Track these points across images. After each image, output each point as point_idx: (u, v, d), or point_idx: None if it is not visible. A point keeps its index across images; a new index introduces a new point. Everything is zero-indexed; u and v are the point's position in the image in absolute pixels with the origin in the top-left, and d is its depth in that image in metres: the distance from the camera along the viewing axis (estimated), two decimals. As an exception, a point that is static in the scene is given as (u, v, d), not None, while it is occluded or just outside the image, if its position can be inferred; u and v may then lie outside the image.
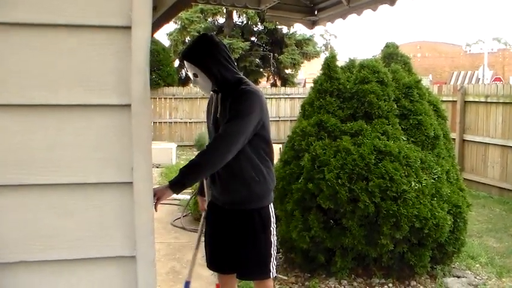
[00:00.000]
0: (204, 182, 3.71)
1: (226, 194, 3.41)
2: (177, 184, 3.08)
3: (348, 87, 5.50)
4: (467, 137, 11.13)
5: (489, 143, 10.54)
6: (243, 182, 3.33)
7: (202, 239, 3.77)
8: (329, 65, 5.61)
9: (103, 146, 1.72)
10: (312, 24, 4.93)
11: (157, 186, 3.15)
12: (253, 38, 25.70)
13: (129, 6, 1.67)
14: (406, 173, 4.99)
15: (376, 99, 5.30)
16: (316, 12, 4.72)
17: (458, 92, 11.27)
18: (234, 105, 3.19)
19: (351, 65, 5.89)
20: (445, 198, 5.26)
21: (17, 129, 1.68)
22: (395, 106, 5.46)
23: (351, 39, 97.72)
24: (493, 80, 28.13)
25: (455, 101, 11.35)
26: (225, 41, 22.42)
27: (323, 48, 40.39)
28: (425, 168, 5.22)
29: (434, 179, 5.23)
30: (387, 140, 5.13)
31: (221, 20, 25.36)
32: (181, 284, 5.34)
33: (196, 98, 18.90)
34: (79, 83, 1.67)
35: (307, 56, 25.26)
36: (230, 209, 3.44)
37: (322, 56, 40.11)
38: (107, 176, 1.73)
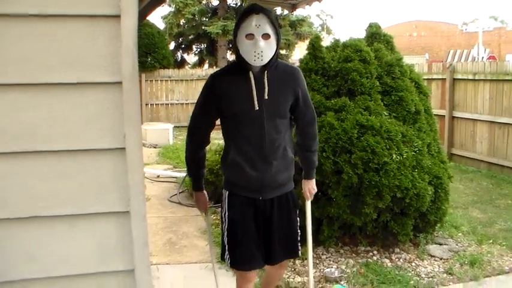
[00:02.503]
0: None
1: (271, 178, 3.26)
2: (314, 172, 3.64)
3: (332, 66, 5.77)
4: (457, 114, 11.40)
5: (477, 119, 10.81)
6: (288, 164, 3.37)
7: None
8: (314, 45, 5.88)
9: (99, 117, 2.02)
10: (291, 8, 5.23)
11: (306, 188, 3.69)
12: (247, 19, 25.84)
13: (118, -3, 1.95)
14: (388, 146, 5.28)
15: (359, 77, 5.58)
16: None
17: (447, 70, 11.53)
18: (302, 85, 3.28)
19: (335, 44, 6.15)
20: (426, 169, 5.55)
21: (24, 105, 1.96)
22: (378, 83, 5.74)
23: (348, 19, 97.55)
24: (488, 58, 28.28)
25: (445, 79, 11.61)
26: (220, 23, 22.67)
27: (319, 28, 40.57)
28: (406, 141, 5.51)
29: (415, 151, 5.52)
30: (369, 115, 5.41)
31: (215, 2, 25.49)
32: (177, 253, 5.69)
33: (192, 79, 19.19)
34: (77, 65, 1.96)
35: (302, 37, 25.45)
36: (266, 198, 3.31)
37: (318, 37, 40.27)
38: (103, 143, 2.03)
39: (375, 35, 6.34)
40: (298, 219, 3.53)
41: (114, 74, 1.99)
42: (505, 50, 39.02)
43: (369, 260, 5.45)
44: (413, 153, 5.49)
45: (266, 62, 3.03)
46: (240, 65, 3.12)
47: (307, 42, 6.39)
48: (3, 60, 1.90)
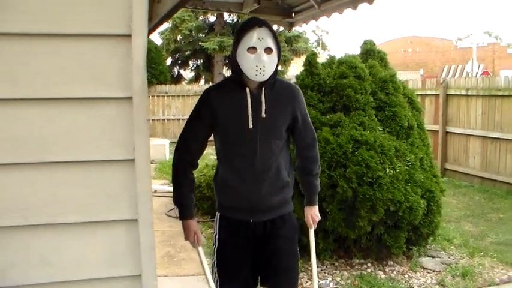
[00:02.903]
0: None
1: (261, 200, 3.06)
2: (316, 198, 3.40)
3: (327, 82, 5.93)
4: (450, 129, 11.59)
5: (470, 134, 11.01)
6: (281, 187, 3.13)
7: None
8: (310, 61, 6.05)
9: (110, 130, 2.15)
10: (289, 26, 5.41)
11: (308, 215, 3.37)
12: (244, 35, 26.11)
13: (129, 19, 2.10)
14: (381, 160, 5.43)
15: (354, 93, 5.74)
16: (293, 15, 5.17)
17: (441, 86, 11.73)
18: (301, 106, 3.15)
19: (330, 61, 6.32)
20: (419, 183, 5.70)
21: (41, 118, 2.10)
22: (372, 99, 5.91)
23: (343, 35, 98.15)
24: (482, 74, 28.51)
25: (439, 95, 11.79)
26: (216, 39, 22.88)
27: (315, 44, 40.83)
28: (399, 156, 5.66)
29: (408, 165, 5.67)
30: (364, 130, 5.57)
31: (212, 18, 25.76)
32: (175, 266, 5.80)
33: (189, 95, 19.39)
34: (91, 80, 2.10)
35: (297, 53, 25.70)
36: (257, 220, 3.12)
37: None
38: (114, 154, 2.16)
39: (369, 51, 6.52)
40: (296, 245, 3.29)
41: (125, 90, 2.12)
42: (499, 66, 39.33)
43: (363, 272, 5.58)
44: (406, 167, 5.64)
45: (267, 77, 2.89)
46: (237, 81, 3.00)
47: (303, 58, 6.56)
48: (27, 76, 2.04)
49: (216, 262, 3.21)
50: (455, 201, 9.44)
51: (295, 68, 32.70)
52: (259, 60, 2.82)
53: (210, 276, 3.19)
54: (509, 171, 10.02)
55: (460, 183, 11.03)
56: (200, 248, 3.22)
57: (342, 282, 5.29)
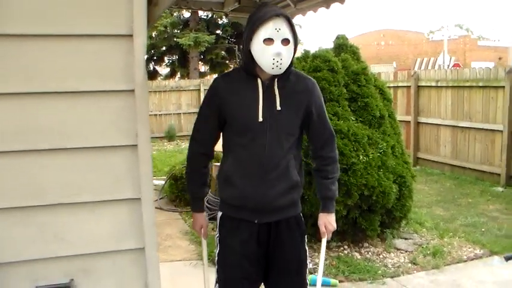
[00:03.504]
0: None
1: (268, 199, 2.85)
2: (333, 206, 3.13)
3: (303, 75, 6.24)
4: (422, 119, 12.02)
5: (441, 124, 11.46)
6: (290, 186, 2.92)
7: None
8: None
9: (117, 119, 2.44)
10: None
11: (322, 222, 3.12)
12: (218, 31, 26.40)
13: (131, 21, 2.39)
14: (355, 148, 5.78)
15: (328, 85, 6.06)
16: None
17: (412, 78, 12.13)
18: (318, 100, 2.96)
19: (305, 55, 6.64)
20: (391, 169, 6.06)
21: (57, 109, 2.39)
22: (345, 90, 6.24)
23: (317, 29, 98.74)
24: (453, 66, 29.06)
25: (410, 86, 12.19)
26: (191, 35, 23.08)
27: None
28: (372, 143, 6.01)
29: (380, 153, 6.02)
30: (338, 120, 5.90)
31: (187, 14, 25.95)
32: (162, 252, 6.09)
33: (165, 91, 19.52)
34: (99, 75, 2.39)
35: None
36: (262, 221, 2.92)
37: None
38: (120, 140, 2.46)
39: (342, 46, 6.85)
40: (306, 249, 3.12)
41: (129, 83, 2.42)
42: (470, 58, 39.83)
43: (340, 254, 5.92)
44: (378, 154, 5.99)
45: (284, 70, 2.74)
46: (248, 70, 2.84)
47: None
48: (43, 72, 2.33)
49: (217, 267, 3.06)
50: (427, 188, 9.85)
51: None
52: (276, 53, 2.66)
53: (206, 267, 3.24)
54: (478, 159, 10.47)
55: (432, 171, 11.46)
56: (204, 241, 3.25)
57: (321, 264, 5.61)
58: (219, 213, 3.07)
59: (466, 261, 5.90)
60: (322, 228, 3.14)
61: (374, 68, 35.43)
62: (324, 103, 3.03)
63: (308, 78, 2.99)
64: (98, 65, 2.39)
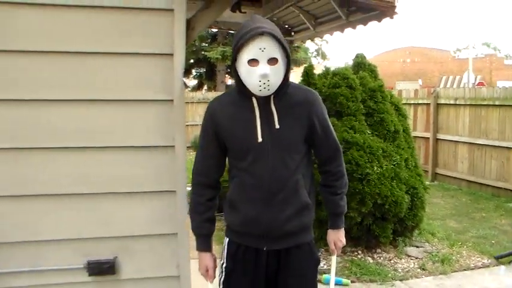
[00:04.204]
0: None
1: (275, 224, 2.66)
2: (342, 222, 2.98)
3: (323, 91, 6.69)
4: (440, 136, 12.31)
5: (458, 141, 11.74)
6: (300, 209, 2.70)
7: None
8: (307, 72, 6.83)
9: (156, 124, 2.93)
10: (288, 43, 6.23)
11: (331, 239, 2.98)
12: (245, 45, 26.91)
13: (172, 42, 2.88)
14: (370, 159, 6.20)
15: (346, 101, 6.51)
16: (292, 34, 5.99)
17: (431, 96, 12.47)
18: (320, 113, 2.73)
19: (326, 72, 7.10)
20: (403, 180, 6.47)
21: (105, 113, 2.88)
22: (362, 106, 6.68)
23: (343, 44, 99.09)
24: (476, 85, 29.20)
25: (429, 104, 12.55)
26: (219, 49, 23.63)
27: (315, 53, 41.62)
28: (386, 156, 6.43)
29: (393, 165, 6.43)
30: (354, 133, 6.33)
31: (215, 28, 26.50)
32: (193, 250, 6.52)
33: (192, 102, 20.06)
34: (144, 87, 2.88)
35: (298, 63, 26.49)
36: (271, 248, 2.73)
37: (314, 61, 41.12)
38: (159, 142, 2.94)
39: (360, 64, 7.30)
40: (316, 281, 2.95)
41: (168, 94, 2.90)
42: (496, 77, 39.74)
43: (354, 258, 6.33)
44: (392, 166, 6.40)
45: (273, 91, 2.55)
46: (241, 91, 2.64)
47: (302, 67, 7.30)
48: (97, 83, 2.83)
49: None
50: (443, 202, 10.19)
51: (294, 77, 33.38)
52: (262, 74, 2.45)
53: None
54: (494, 175, 10.76)
55: (449, 186, 11.78)
56: (211, 286, 2.89)
57: (336, 266, 6.03)
58: (226, 239, 2.86)
59: (473, 269, 6.25)
60: (331, 246, 2.99)
61: (399, 85, 35.48)
62: (327, 115, 2.80)
63: (308, 90, 2.79)
64: (143, 78, 2.88)
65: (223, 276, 2.83)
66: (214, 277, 2.88)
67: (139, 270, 3.06)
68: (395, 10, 4.01)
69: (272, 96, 2.61)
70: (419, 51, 47.53)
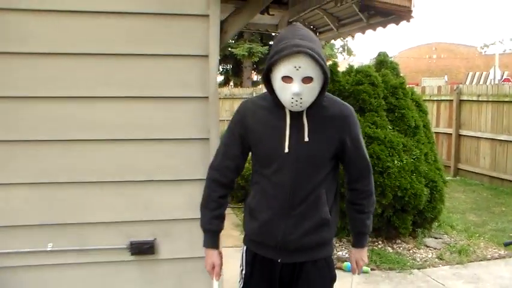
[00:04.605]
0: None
1: (292, 237, 2.60)
2: (366, 241, 2.85)
3: (346, 88, 6.98)
4: (463, 132, 12.54)
5: (481, 137, 11.96)
6: (320, 224, 2.63)
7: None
8: (331, 70, 7.11)
9: (194, 118, 3.26)
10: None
11: (354, 258, 2.83)
12: (271, 43, 27.26)
13: (207, 45, 3.20)
14: (390, 154, 6.48)
15: (368, 97, 6.79)
16: (317, 34, 6.32)
17: (454, 92, 12.67)
18: (353, 131, 2.62)
19: (349, 70, 7.38)
20: (423, 174, 6.73)
21: (150, 109, 3.21)
22: (384, 102, 6.96)
23: (369, 40, 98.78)
24: (502, 81, 29.10)
25: (452, 100, 12.76)
26: (246, 46, 23.96)
27: (340, 49, 41.77)
28: (406, 150, 6.70)
29: (413, 159, 6.70)
30: (376, 128, 6.61)
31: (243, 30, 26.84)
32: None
33: (220, 98, 20.22)
34: (183, 85, 3.21)
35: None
36: (285, 261, 2.68)
37: (340, 57, 41.17)
38: (196, 134, 3.27)
39: (382, 62, 7.58)
40: None
41: (204, 92, 3.24)
42: None
43: (375, 247, 6.62)
44: (412, 160, 6.67)
45: (306, 107, 2.48)
46: (275, 100, 2.54)
47: (329, 64, 7.60)
48: (141, 82, 3.16)
49: None
50: (464, 197, 10.42)
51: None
52: (295, 93, 2.38)
53: None
54: (516, 171, 10.98)
55: (471, 181, 11.98)
56: (216, 283, 2.81)
57: (356, 255, 6.34)
58: (244, 247, 2.82)
59: (489, 259, 6.50)
60: (353, 265, 2.86)
61: (425, 81, 35.32)
62: (360, 133, 2.70)
63: (344, 104, 2.65)
64: (181, 78, 3.22)
65: (242, 284, 2.80)
66: (220, 275, 2.83)
67: (176, 251, 3.39)
68: (412, 14, 4.28)
69: (305, 110, 2.51)
70: (446, 47, 47.36)
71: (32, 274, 3.27)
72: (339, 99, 2.67)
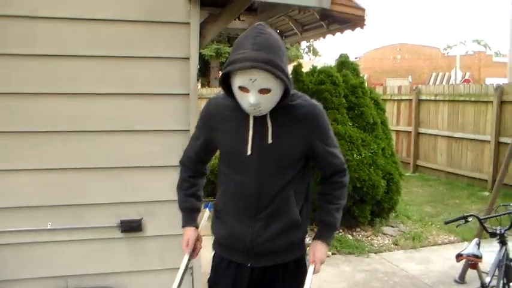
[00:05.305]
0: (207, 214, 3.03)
1: (261, 240, 2.52)
2: (330, 238, 2.73)
3: (310, 87, 7.53)
4: (421, 130, 13.25)
5: (438, 135, 12.67)
6: (290, 226, 2.55)
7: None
8: (296, 71, 7.68)
9: (176, 113, 3.74)
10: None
11: (312, 250, 2.61)
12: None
13: (188, 48, 3.69)
14: (350, 148, 7.06)
15: (330, 96, 7.36)
16: (283, 38, 6.88)
17: (413, 92, 13.33)
18: (322, 130, 2.53)
19: (312, 70, 7.94)
20: (380, 167, 7.32)
21: (136, 103, 3.69)
22: (344, 101, 7.54)
23: (334, 41, 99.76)
24: (463, 82, 29.92)
25: (411, 100, 13.41)
26: (213, 46, 24.38)
27: (306, 49, 42.37)
28: (365, 145, 7.28)
29: (371, 153, 7.29)
30: (337, 125, 7.18)
31: (215, 33, 27.30)
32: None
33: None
34: (166, 83, 3.69)
35: (289, 59, 27.27)
36: (255, 265, 2.60)
37: (305, 57, 41.65)
38: (178, 126, 3.75)
39: (344, 63, 8.18)
40: None
41: (185, 89, 3.73)
42: (484, 74, 40.19)
43: (335, 235, 7.16)
44: (370, 154, 7.25)
45: (266, 112, 2.39)
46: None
47: (293, 64, 8.15)
48: (129, 80, 3.64)
49: None
50: (421, 191, 11.06)
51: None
52: (252, 104, 2.29)
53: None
54: (469, 167, 11.65)
55: (429, 177, 12.65)
56: (186, 257, 2.73)
57: (319, 241, 6.89)
58: (212, 253, 2.76)
59: (440, 245, 7.15)
60: (311, 256, 2.62)
61: (390, 82, 35.99)
62: (330, 131, 2.61)
63: (313, 104, 2.53)
64: (165, 77, 3.70)
65: None
66: (193, 249, 2.74)
67: (160, 229, 3.86)
68: (365, 22, 4.81)
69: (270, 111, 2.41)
70: (410, 49, 48.04)
71: (33, 250, 3.71)
72: (308, 97, 2.56)
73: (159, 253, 3.90)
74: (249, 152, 2.45)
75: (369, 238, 7.21)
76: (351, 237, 7.16)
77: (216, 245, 2.72)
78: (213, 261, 2.73)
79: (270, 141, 2.43)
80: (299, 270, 2.63)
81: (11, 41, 3.49)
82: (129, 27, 3.62)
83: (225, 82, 2.39)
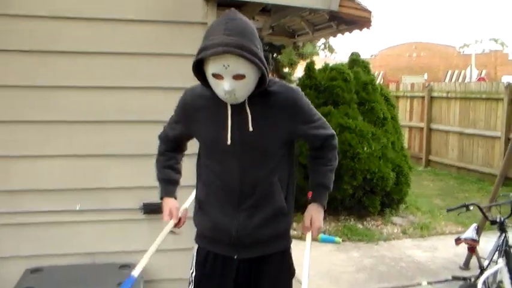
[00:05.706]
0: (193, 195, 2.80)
1: (246, 231, 2.47)
2: (325, 200, 2.63)
3: (322, 83, 7.87)
4: (433, 126, 13.50)
5: (449, 131, 12.91)
6: (275, 215, 2.51)
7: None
8: (309, 68, 8.01)
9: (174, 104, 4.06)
10: (293, 44, 7.40)
11: (309, 214, 2.58)
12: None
13: (193, 46, 3.99)
14: (360, 141, 7.38)
15: (341, 92, 7.69)
16: (296, 36, 7.22)
17: (426, 89, 13.60)
18: (303, 114, 2.46)
19: (325, 68, 8.28)
20: (390, 160, 7.63)
21: (160, 95, 4.01)
22: (355, 96, 7.87)
23: (350, 38, 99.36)
24: (477, 80, 29.94)
25: (424, 97, 13.68)
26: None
27: (322, 46, 42.41)
28: (375, 138, 7.59)
29: (381, 146, 7.59)
30: (348, 119, 7.49)
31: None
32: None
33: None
34: (173, 78, 3.96)
35: (304, 56, 27.46)
36: (241, 257, 2.54)
37: (321, 54, 41.77)
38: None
39: (355, 61, 8.51)
40: None
41: (186, 84, 4.01)
42: (501, 72, 40.09)
43: (347, 224, 7.51)
44: (380, 147, 7.56)
45: (243, 99, 2.31)
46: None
47: (306, 62, 8.47)
48: (135, 75, 3.97)
49: None
50: (432, 185, 11.32)
51: (301, 70, 34.16)
52: (226, 91, 2.20)
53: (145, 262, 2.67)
54: (480, 162, 11.88)
55: (440, 172, 12.91)
56: (170, 223, 2.70)
57: (331, 229, 7.21)
58: (195, 247, 2.67)
59: (447, 234, 7.43)
60: (307, 222, 2.60)
61: (406, 79, 35.96)
62: (312, 108, 2.53)
63: (290, 88, 2.46)
64: (171, 72, 3.99)
65: (192, 286, 2.65)
66: (179, 218, 2.71)
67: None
68: (371, 23, 5.10)
69: (248, 97, 2.33)
70: (425, 46, 47.90)
71: (63, 229, 4.04)
72: (284, 83, 2.48)
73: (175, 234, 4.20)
74: (229, 142, 2.38)
75: (379, 227, 7.51)
76: (361, 226, 7.47)
77: (200, 238, 2.64)
78: (197, 256, 2.64)
79: (250, 129, 2.35)
80: (287, 262, 2.62)
81: (68, 42, 3.81)
82: (153, 26, 3.94)
83: (199, 72, 2.33)
